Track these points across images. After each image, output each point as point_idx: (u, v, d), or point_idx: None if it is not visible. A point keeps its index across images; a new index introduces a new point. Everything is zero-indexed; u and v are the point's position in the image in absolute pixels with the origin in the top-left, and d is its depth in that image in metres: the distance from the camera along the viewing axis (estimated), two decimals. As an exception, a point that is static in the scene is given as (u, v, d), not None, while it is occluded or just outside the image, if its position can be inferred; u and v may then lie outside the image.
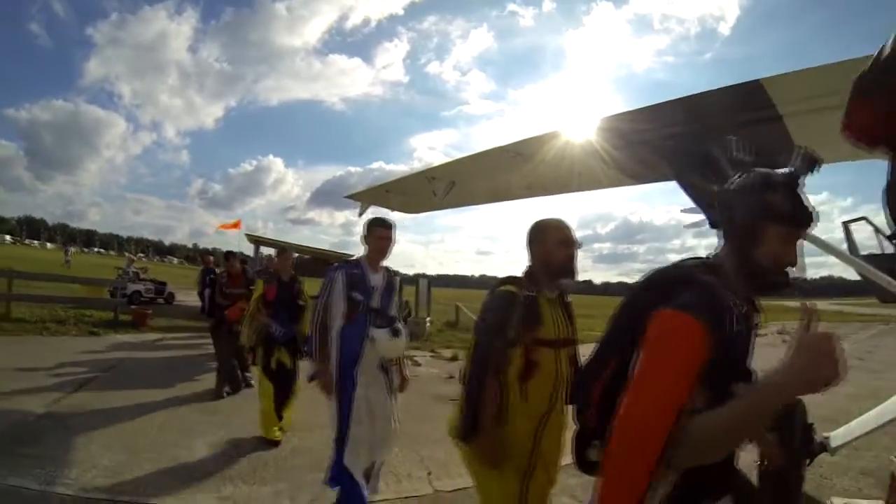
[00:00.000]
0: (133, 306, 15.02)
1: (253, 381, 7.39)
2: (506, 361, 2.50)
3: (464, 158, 5.40)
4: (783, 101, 3.44)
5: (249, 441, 5.53)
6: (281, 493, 4.37)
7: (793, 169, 1.57)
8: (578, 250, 2.69)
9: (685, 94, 3.76)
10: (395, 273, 4.23)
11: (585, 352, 2.01)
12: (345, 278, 3.95)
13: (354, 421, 3.86)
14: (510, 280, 2.68)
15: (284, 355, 5.77)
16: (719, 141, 3.85)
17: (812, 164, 1.57)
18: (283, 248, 6.51)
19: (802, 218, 1.53)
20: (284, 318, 5.78)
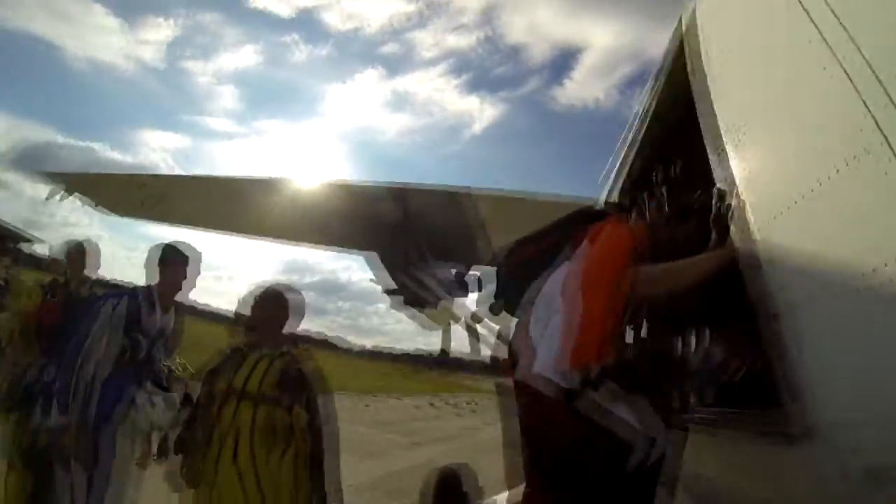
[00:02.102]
0: None
1: None
2: None
3: (181, 177, 5.02)
4: (484, 212, 3.74)
5: None
6: None
7: None
8: None
9: (416, 176, 3.90)
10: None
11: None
12: (126, 312, 3.07)
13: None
14: None
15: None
16: (423, 232, 4.05)
17: None
18: None
19: None
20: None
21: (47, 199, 5.63)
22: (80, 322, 3.31)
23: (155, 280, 3.24)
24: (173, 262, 3.22)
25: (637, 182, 3.16)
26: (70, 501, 2.98)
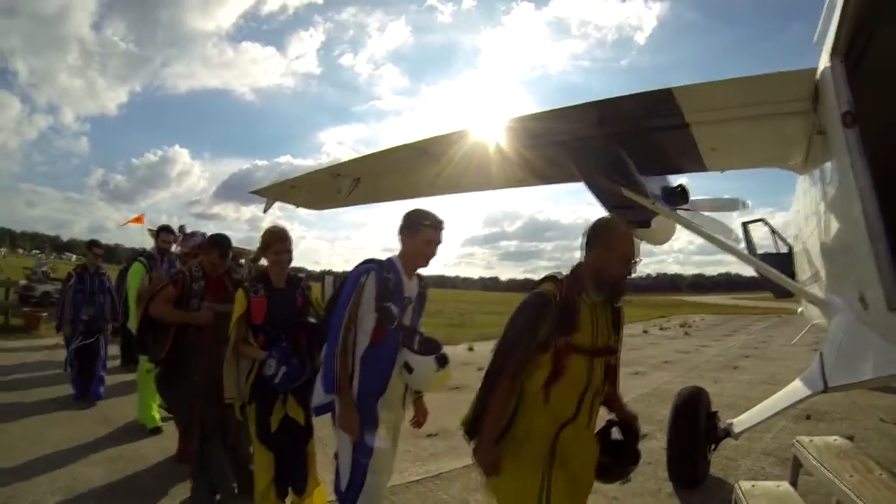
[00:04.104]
0: (26, 308, 13.84)
1: None
2: (529, 364, 2.39)
3: (369, 155, 5.13)
4: (691, 110, 3.42)
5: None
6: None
7: None
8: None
9: (597, 98, 3.72)
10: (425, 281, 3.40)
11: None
12: (377, 284, 3.07)
13: (374, 469, 3.06)
14: (551, 278, 2.53)
15: (294, 408, 3.67)
16: (628, 145, 3.80)
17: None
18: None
19: None
20: (287, 348, 3.55)
21: (265, 210, 6.24)
22: (282, 308, 3.71)
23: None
24: (411, 230, 3.20)
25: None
26: (335, 472, 3.20)
